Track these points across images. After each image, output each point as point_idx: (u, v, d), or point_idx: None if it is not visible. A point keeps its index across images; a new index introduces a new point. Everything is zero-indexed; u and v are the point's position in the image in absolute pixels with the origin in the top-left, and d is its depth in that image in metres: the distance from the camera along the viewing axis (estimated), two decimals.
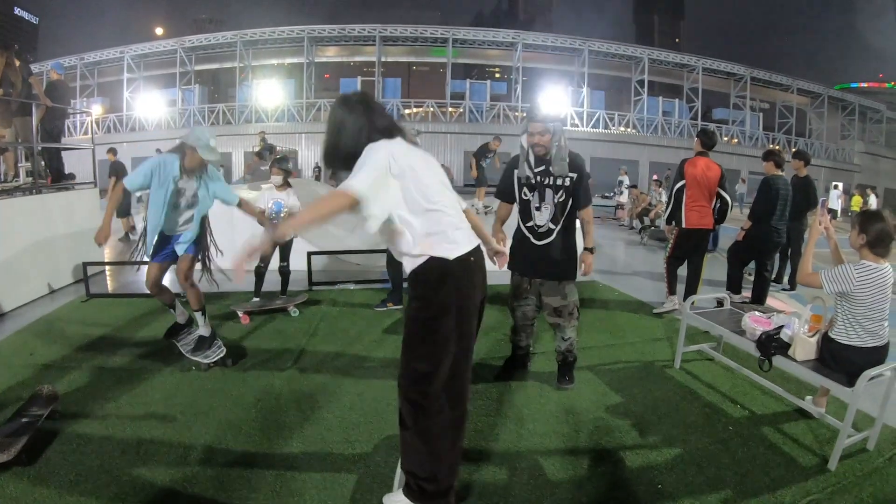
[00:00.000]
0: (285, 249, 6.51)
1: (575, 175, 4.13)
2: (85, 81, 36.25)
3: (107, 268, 8.47)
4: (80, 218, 7.83)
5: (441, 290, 2.56)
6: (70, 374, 4.47)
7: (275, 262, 6.54)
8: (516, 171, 4.31)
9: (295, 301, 6.31)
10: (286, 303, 6.27)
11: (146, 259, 4.89)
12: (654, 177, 19.97)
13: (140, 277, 8.14)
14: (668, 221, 6.59)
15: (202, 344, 4.87)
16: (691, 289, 6.34)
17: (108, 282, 7.98)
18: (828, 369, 3.55)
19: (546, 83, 35.94)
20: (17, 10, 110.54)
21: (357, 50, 37.55)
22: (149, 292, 4.95)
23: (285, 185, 6.50)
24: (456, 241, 2.60)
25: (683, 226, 6.36)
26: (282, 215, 6.26)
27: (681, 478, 3.21)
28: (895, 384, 3.51)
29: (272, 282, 6.54)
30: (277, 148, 18.84)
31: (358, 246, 7.29)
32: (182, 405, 3.96)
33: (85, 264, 6.93)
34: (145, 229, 4.79)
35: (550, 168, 4.10)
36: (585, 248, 4.40)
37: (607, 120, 34.91)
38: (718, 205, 6.37)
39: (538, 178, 4.19)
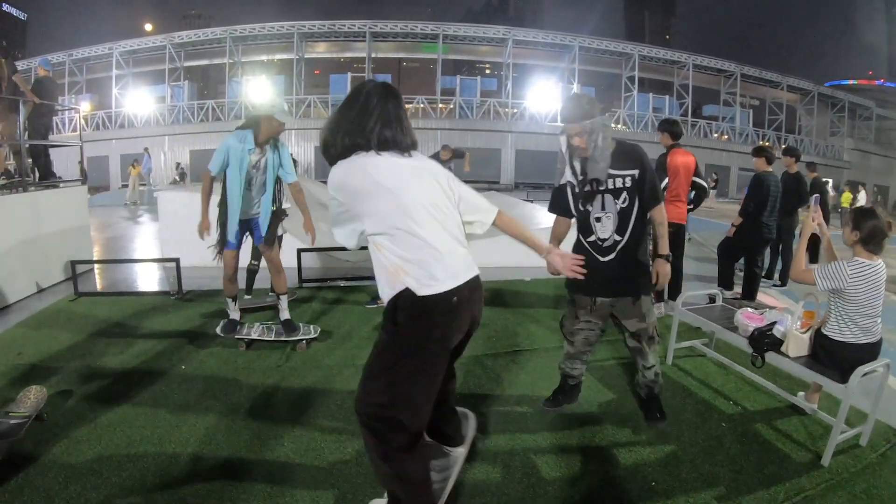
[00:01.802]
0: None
1: (636, 171, 3.47)
2: (73, 78, 36.11)
3: (95, 266, 8.42)
4: (69, 216, 7.77)
5: (409, 326, 2.34)
6: (59, 374, 4.42)
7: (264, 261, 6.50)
8: (564, 180, 3.68)
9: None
10: (276, 300, 6.22)
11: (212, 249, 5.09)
12: None
13: (128, 276, 8.13)
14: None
15: (290, 326, 5.18)
16: (675, 289, 6.32)
17: (97, 280, 7.92)
18: (821, 366, 3.55)
19: (536, 79, 36.04)
20: (4, 7, 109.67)
21: (347, 46, 37.54)
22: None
23: None
24: (434, 277, 2.31)
25: None
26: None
27: (674, 474, 3.21)
28: (888, 380, 3.53)
29: (263, 279, 6.51)
30: None
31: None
32: (172, 406, 3.91)
33: (73, 262, 6.87)
34: (222, 219, 4.96)
35: (589, 172, 3.48)
36: (658, 255, 3.67)
37: None
38: (694, 193, 6.39)
39: (590, 183, 3.55)
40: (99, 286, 7.60)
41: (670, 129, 6.39)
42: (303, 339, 5.09)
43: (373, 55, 35.57)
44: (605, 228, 3.57)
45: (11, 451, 3.11)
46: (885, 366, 3.47)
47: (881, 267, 3.39)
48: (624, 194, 3.50)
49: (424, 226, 2.33)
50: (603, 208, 3.55)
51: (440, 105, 35.10)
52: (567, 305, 3.92)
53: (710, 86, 40.09)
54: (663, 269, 3.66)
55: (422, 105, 34.66)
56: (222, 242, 4.99)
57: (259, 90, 33.64)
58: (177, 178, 29.19)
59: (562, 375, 4.09)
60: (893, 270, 8.95)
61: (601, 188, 3.52)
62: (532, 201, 15.86)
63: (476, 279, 2.48)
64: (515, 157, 34.18)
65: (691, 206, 6.52)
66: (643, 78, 37.69)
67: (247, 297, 6.35)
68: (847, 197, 22.13)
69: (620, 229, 3.55)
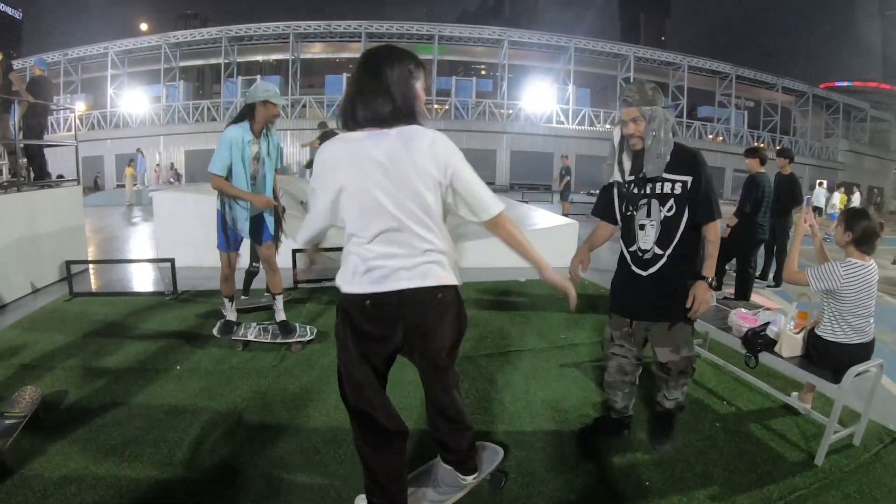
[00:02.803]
0: None
1: (689, 178, 3.05)
2: (68, 78, 36.01)
3: (90, 266, 8.40)
4: (64, 216, 7.75)
5: (337, 317, 2.44)
6: (54, 374, 4.41)
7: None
8: (611, 178, 3.31)
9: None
10: (272, 300, 6.22)
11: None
12: None
13: (123, 276, 8.11)
14: None
15: (287, 327, 5.15)
16: None
17: (92, 280, 7.90)
18: (814, 366, 3.57)
19: (532, 80, 36.07)
20: (0, 6, 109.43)
21: (343, 46, 37.51)
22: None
23: None
24: (354, 275, 2.30)
25: None
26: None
27: (668, 474, 3.22)
28: (881, 380, 3.55)
29: (260, 279, 6.51)
30: None
31: (343, 243, 7.28)
32: (167, 405, 3.91)
33: (68, 263, 6.86)
34: (227, 216, 4.85)
35: (643, 168, 3.08)
36: (700, 278, 3.13)
37: (593, 117, 35.09)
38: None
39: (638, 184, 3.18)
40: (94, 286, 7.58)
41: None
42: (298, 341, 5.08)
43: None
44: (647, 238, 3.19)
45: (6, 452, 3.11)
46: (878, 366, 3.49)
47: (873, 267, 3.41)
48: (671, 202, 3.11)
49: (362, 225, 2.27)
50: (648, 215, 3.17)
51: (435, 106, 35.09)
52: (607, 329, 3.56)
53: (706, 87, 40.17)
54: (702, 294, 3.10)
55: None
56: (225, 236, 4.93)
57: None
58: (171, 179, 29.15)
59: (604, 405, 3.84)
60: (885, 271, 9.03)
61: (649, 191, 3.14)
62: (527, 202, 15.86)
63: (415, 292, 2.29)
64: (510, 159, 34.19)
65: None
66: (639, 79, 37.71)
67: (243, 297, 6.35)
68: (842, 199, 22.15)
69: (663, 241, 3.16)
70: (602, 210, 3.48)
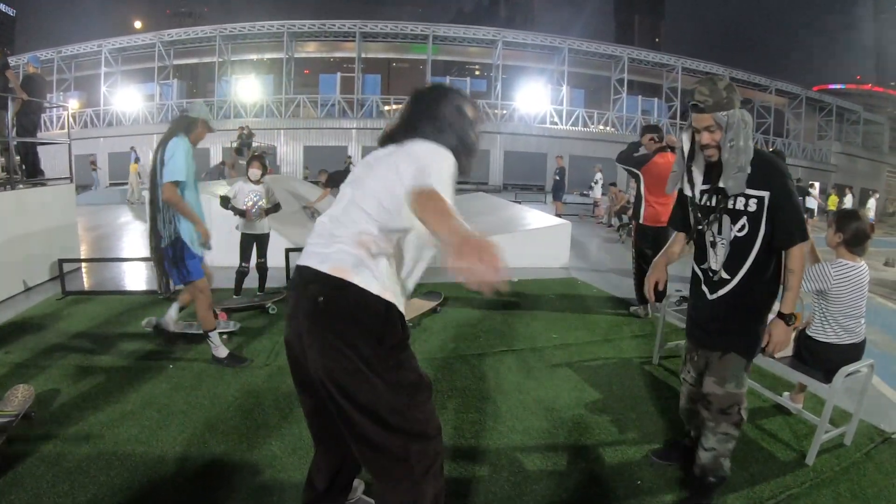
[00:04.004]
0: (262, 246, 6.49)
1: (766, 193, 2.64)
2: (62, 75, 35.81)
3: (83, 265, 8.38)
4: (56, 214, 7.73)
5: None
6: (46, 373, 4.40)
7: (252, 260, 6.51)
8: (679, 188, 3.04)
9: (273, 298, 6.27)
10: (264, 300, 6.24)
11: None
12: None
13: (116, 275, 8.09)
14: (633, 217, 6.62)
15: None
16: (660, 293, 6.31)
17: (84, 279, 7.88)
18: (805, 366, 3.60)
19: (526, 81, 36.07)
20: None
21: (337, 46, 37.46)
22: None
23: (262, 177, 6.49)
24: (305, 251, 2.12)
25: (641, 221, 6.33)
26: (260, 206, 6.35)
27: (660, 473, 3.24)
28: (871, 380, 3.58)
29: (250, 278, 6.51)
30: (255, 144, 18.75)
31: None
32: (159, 404, 3.91)
33: (61, 261, 6.84)
34: (179, 240, 4.40)
35: (722, 183, 2.70)
36: (779, 314, 2.77)
37: (587, 118, 35.11)
38: None
39: (710, 197, 2.84)
40: (86, 285, 7.56)
41: (653, 132, 6.42)
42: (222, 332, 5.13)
43: (363, 55, 35.47)
44: (717, 258, 2.83)
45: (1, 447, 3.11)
46: (869, 366, 3.52)
47: (864, 268, 3.44)
48: (743, 220, 2.71)
49: (332, 206, 2.17)
50: (719, 232, 2.80)
51: None
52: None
53: None
54: (779, 335, 2.75)
55: None
56: (182, 273, 4.50)
57: (248, 89, 33.59)
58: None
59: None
60: (877, 272, 9.07)
61: (722, 205, 2.76)
62: (520, 202, 15.87)
63: (307, 272, 2.00)
64: (504, 159, 34.19)
65: None
66: (632, 80, 37.76)
67: (235, 297, 6.36)
68: (833, 200, 22.27)
69: (731, 265, 2.78)
70: (677, 220, 3.16)
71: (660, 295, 6.24)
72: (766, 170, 2.65)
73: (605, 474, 3.25)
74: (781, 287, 2.79)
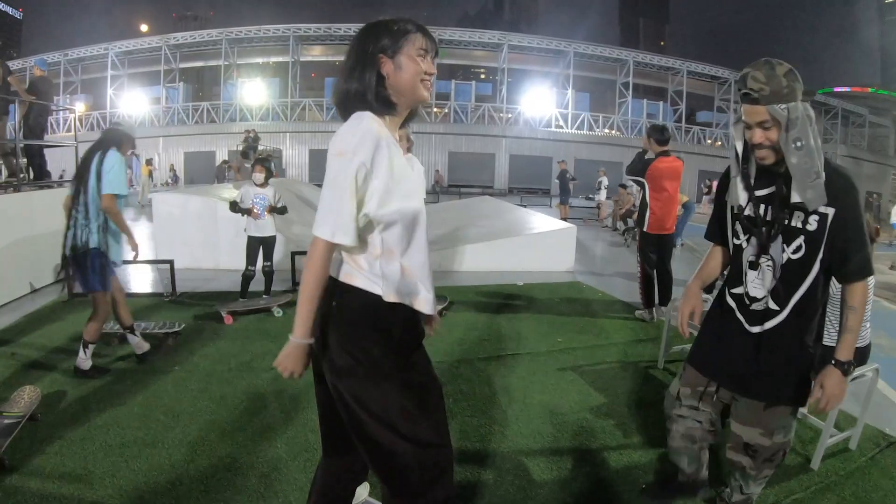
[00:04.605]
0: (269, 250, 6.51)
1: (832, 210, 2.14)
2: (69, 78, 36.05)
3: None
4: (63, 216, 7.74)
5: None
6: (52, 374, 4.43)
7: (258, 263, 6.53)
8: (735, 201, 2.40)
9: (279, 301, 6.28)
10: (270, 303, 6.25)
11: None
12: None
13: (121, 277, 8.11)
14: (638, 224, 6.61)
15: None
16: (665, 297, 6.31)
17: None
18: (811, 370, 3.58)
19: (531, 84, 36.14)
20: (0, 5, 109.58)
21: (343, 49, 37.38)
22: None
23: (267, 181, 6.51)
24: None
25: (645, 229, 6.32)
26: (266, 209, 6.38)
27: (664, 477, 3.23)
28: (877, 385, 3.57)
29: (256, 282, 6.53)
30: (261, 147, 18.80)
31: None
32: (165, 406, 3.93)
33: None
34: (97, 249, 4.45)
35: (784, 191, 2.20)
36: (834, 361, 2.26)
37: (592, 122, 35.19)
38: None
39: (764, 208, 2.29)
40: None
41: (656, 136, 6.28)
42: (172, 331, 5.23)
43: None
44: (758, 283, 2.33)
45: (5, 451, 3.12)
46: (875, 370, 3.51)
47: None
48: (799, 241, 2.22)
49: None
50: (764, 251, 2.29)
51: (435, 109, 35.18)
52: (677, 382, 2.75)
53: (704, 92, 40.29)
54: (833, 387, 2.24)
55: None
56: (87, 280, 4.53)
57: (254, 92, 33.69)
58: (168, 180, 29.16)
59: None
60: (883, 276, 9.05)
61: (774, 218, 2.25)
62: (525, 206, 15.88)
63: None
64: (509, 162, 34.24)
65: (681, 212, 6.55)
66: (638, 84, 37.81)
67: (241, 299, 6.37)
68: None
69: (780, 294, 2.29)
70: (716, 232, 2.61)
71: (664, 298, 6.24)
72: (834, 181, 2.13)
73: (609, 478, 3.24)
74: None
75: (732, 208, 2.43)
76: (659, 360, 4.94)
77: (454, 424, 3.73)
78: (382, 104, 1.90)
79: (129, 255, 4.65)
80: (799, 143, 2.07)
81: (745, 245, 2.37)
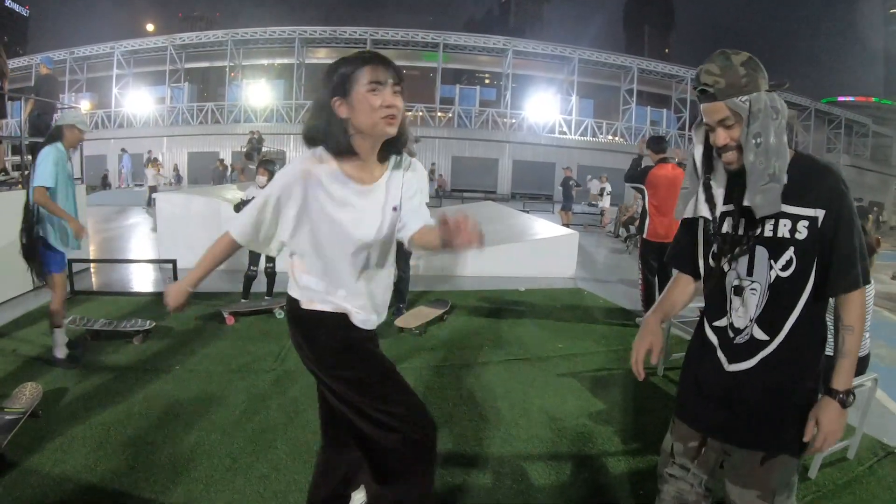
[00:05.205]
0: None
1: (821, 212, 1.79)
2: (74, 76, 36.10)
3: (91, 265, 8.43)
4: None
5: None
6: (54, 371, 4.45)
7: (261, 264, 6.55)
8: (693, 212, 2.07)
9: (281, 303, 6.29)
10: (272, 304, 6.26)
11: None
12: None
13: (124, 276, 8.13)
14: (639, 231, 6.64)
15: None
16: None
17: (93, 279, 7.93)
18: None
19: (535, 90, 36.17)
20: (7, 2, 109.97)
21: (348, 52, 37.51)
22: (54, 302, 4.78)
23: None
24: None
25: (645, 236, 6.36)
26: None
27: None
28: (875, 394, 3.57)
29: (259, 283, 6.54)
30: (265, 149, 18.84)
31: None
32: (165, 405, 3.94)
33: (70, 261, 6.87)
34: (41, 238, 4.67)
35: (746, 200, 1.84)
36: (828, 391, 1.86)
37: (595, 128, 35.19)
38: None
39: (734, 222, 1.93)
40: (95, 285, 7.61)
41: (654, 146, 6.40)
42: (140, 329, 5.27)
43: None
44: (744, 310, 1.91)
45: (5, 447, 3.13)
46: (873, 380, 3.52)
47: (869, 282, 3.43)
48: (789, 253, 1.82)
49: None
50: (749, 272, 1.90)
51: (439, 114, 35.20)
52: (666, 441, 2.26)
53: None
54: (830, 422, 1.81)
55: (420, 113, 34.76)
56: (41, 265, 4.75)
57: (259, 94, 33.76)
58: (171, 180, 29.19)
59: None
60: (884, 286, 9.05)
61: (754, 233, 1.88)
62: (528, 212, 15.90)
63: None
64: (513, 168, 34.25)
65: None
66: (641, 91, 37.81)
67: (243, 300, 6.38)
68: None
69: (769, 319, 1.87)
70: (680, 256, 2.19)
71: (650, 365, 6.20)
72: (820, 178, 1.82)
73: (607, 484, 3.25)
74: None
75: (706, 227, 2.03)
76: (659, 368, 4.94)
77: (453, 428, 3.75)
78: (335, 148, 2.03)
79: (78, 240, 4.85)
80: (757, 140, 1.77)
81: (726, 268, 1.94)
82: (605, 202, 18.94)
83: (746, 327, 1.90)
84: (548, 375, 4.81)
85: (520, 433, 3.77)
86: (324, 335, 2.18)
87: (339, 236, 2.07)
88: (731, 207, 1.93)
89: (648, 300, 6.37)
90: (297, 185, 2.03)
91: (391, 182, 2.14)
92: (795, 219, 1.81)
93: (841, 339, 1.88)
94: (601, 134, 35.59)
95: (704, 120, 1.89)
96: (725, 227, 1.95)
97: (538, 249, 9.21)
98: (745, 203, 1.83)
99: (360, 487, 2.62)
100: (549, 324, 6.33)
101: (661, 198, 6.13)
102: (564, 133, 34.70)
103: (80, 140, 4.88)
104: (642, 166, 6.46)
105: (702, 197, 2.00)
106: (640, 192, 6.34)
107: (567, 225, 14.42)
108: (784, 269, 1.83)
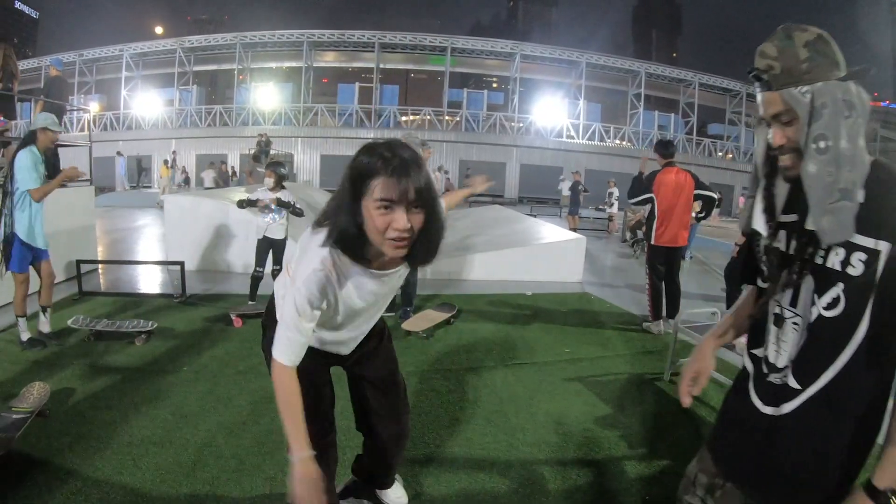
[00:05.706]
0: (279, 253, 6.53)
1: (885, 245, 1.32)
2: (83, 78, 36.33)
3: (99, 266, 8.46)
4: (75, 215, 7.82)
5: None
6: (61, 372, 4.46)
7: (268, 267, 6.55)
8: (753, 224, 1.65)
9: None
10: None
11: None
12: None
13: (132, 277, 8.15)
14: (646, 237, 6.64)
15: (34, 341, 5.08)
16: (673, 309, 6.31)
17: (101, 280, 7.96)
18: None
19: (543, 94, 36.20)
20: (17, 4, 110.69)
21: (356, 56, 37.74)
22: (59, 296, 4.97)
23: (278, 186, 6.53)
24: None
25: (653, 242, 6.38)
26: (273, 201, 6.45)
27: (669, 490, 3.21)
28: None
29: (266, 286, 6.54)
30: (273, 152, 18.89)
31: None
32: (173, 406, 3.95)
33: (78, 262, 6.92)
34: (11, 236, 4.90)
35: (809, 223, 1.43)
36: (867, 487, 1.37)
37: (603, 133, 35.20)
38: (701, 204, 6.41)
39: (788, 237, 1.55)
40: (102, 286, 7.63)
41: (661, 150, 6.44)
42: (141, 330, 5.30)
43: (381, 66, 35.76)
44: (782, 347, 1.54)
45: (13, 446, 3.14)
46: None
47: None
48: (836, 290, 1.40)
49: None
50: (793, 303, 1.52)
51: (447, 117, 35.27)
52: (688, 472, 2.02)
53: (716, 105, 40.22)
54: None
55: (428, 117, 34.89)
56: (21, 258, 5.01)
57: (267, 97, 33.87)
58: (179, 182, 29.29)
59: None
60: None
61: (806, 254, 1.47)
62: (535, 216, 15.88)
63: None
64: (520, 172, 34.26)
65: (702, 215, 6.57)
66: (649, 95, 37.80)
67: (250, 302, 6.40)
68: None
69: (806, 365, 1.48)
70: (746, 269, 1.81)
71: (672, 311, 6.24)
72: (891, 197, 1.36)
73: (614, 489, 3.24)
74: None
75: (758, 240, 1.64)
76: (665, 373, 4.93)
77: (459, 432, 3.74)
78: (343, 248, 1.82)
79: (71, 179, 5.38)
80: (822, 144, 1.35)
81: (772, 291, 1.58)
82: (614, 207, 18.85)
83: (784, 368, 1.52)
84: (554, 380, 4.80)
85: (526, 437, 3.76)
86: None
87: (348, 311, 2.06)
88: (793, 218, 1.53)
89: (655, 306, 6.37)
90: (324, 291, 1.87)
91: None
92: (850, 248, 1.38)
93: (893, 422, 1.39)
94: (609, 138, 35.59)
95: (760, 113, 1.51)
96: (780, 242, 1.57)
97: (545, 254, 9.20)
98: (809, 226, 1.43)
99: (393, 485, 2.81)
100: (555, 328, 6.32)
101: (666, 203, 6.13)
102: (572, 137, 34.71)
103: (53, 141, 5.14)
104: (648, 172, 6.46)
105: (759, 206, 1.61)
106: (650, 200, 6.32)
107: (574, 229, 14.39)
108: (829, 308, 1.42)
